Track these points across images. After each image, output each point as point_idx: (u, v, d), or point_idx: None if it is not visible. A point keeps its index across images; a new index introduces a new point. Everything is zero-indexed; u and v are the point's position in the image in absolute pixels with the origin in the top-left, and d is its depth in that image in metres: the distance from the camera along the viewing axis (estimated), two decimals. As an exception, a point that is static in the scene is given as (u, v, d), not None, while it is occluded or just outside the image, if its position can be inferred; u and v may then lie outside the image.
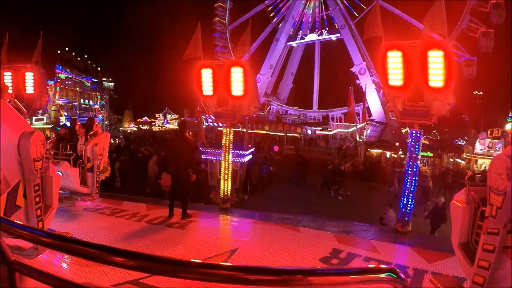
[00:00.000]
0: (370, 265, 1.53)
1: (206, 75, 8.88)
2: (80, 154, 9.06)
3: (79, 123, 9.84)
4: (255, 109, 9.80)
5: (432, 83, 6.62)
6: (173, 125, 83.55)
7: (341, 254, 6.18)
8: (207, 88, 8.92)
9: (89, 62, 65.84)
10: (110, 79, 72.66)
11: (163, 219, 8.01)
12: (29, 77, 9.49)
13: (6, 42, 9.53)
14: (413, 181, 7.53)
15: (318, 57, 60.60)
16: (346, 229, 7.87)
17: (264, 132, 43.96)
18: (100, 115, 64.83)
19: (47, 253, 5.00)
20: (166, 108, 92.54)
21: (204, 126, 24.24)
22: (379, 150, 36.81)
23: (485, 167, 29.07)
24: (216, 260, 5.58)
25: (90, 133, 9.38)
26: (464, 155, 35.12)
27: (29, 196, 4.47)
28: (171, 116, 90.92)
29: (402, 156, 32.07)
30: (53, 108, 50.99)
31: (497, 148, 30.33)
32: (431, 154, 34.79)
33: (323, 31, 56.38)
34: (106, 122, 67.14)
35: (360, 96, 39.45)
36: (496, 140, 31.29)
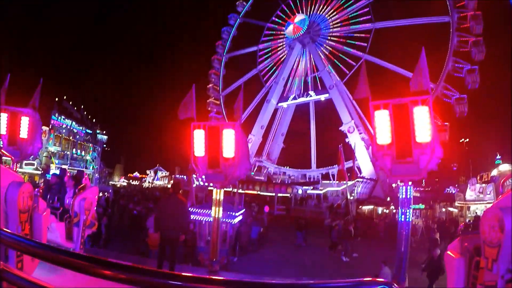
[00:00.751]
0: (365, 279, 1.48)
1: (198, 136, 9.00)
2: (67, 207, 8.91)
3: (68, 174, 9.76)
4: (246, 170, 9.84)
5: (419, 139, 6.81)
6: (163, 182, 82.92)
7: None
8: (199, 148, 8.99)
9: (85, 113, 66.59)
10: (104, 132, 73.12)
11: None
12: (25, 121, 9.52)
13: (6, 85, 9.63)
14: (407, 236, 7.47)
15: (314, 116, 62.11)
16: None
17: (255, 192, 43.72)
18: (91, 167, 64.38)
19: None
20: (157, 165, 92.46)
21: (194, 186, 24.05)
22: (371, 207, 36.67)
23: (477, 213, 29.02)
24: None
25: (79, 186, 9.29)
26: (456, 203, 35.06)
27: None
28: (162, 173, 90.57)
29: (394, 211, 31.88)
30: (44, 154, 50.70)
31: (488, 192, 30.35)
32: (423, 206, 34.69)
33: (311, 92, 58.31)
34: (96, 175, 66.54)
35: (350, 154, 40.02)
36: (486, 185, 31.37)
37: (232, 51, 66.02)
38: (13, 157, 8.88)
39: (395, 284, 1.45)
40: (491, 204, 4.34)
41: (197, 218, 14.63)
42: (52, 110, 54.21)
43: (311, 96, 57.93)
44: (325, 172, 57.36)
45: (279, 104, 60.79)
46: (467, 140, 64.01)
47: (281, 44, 62.96)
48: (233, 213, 14.49)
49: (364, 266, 15.91)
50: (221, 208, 9.32)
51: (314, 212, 36.82)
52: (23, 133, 9.53)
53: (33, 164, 43.50)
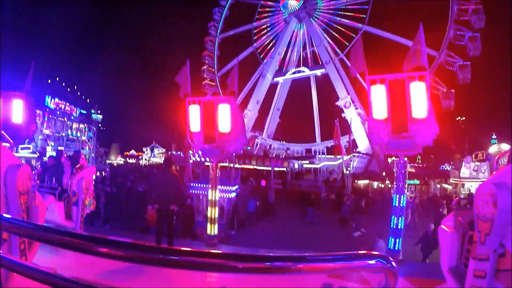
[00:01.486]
0: (360, 252, 1.51)
1: (194, 111, 8.98)
2: (65, 187, 8.96)
3: (65, 155, 9.77)
4: (242, 145, 9.88)
5: (415, 114, 6.82)
6: (160, 159, 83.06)
7: (331, 289, 6.11)
8: (194, 124, 8.99)
9: (78, 93, 65.97)
10: (99, 112, 72.63)
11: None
12: (18, 105, 9.42)
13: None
14: (401, 210, 7.59)
15: (315, 91, 61.12)
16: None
17: (251, 167, 43.91)
18: (87, 147, 64.25)
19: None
20: (153, 142, 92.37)
21: (191, 161, 24.10)
22: (366, 181, 37.01)
23: (470, 191, 29.47)
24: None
25: (77, 166, 9.32)
26: (450, 180, 35.60)
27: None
28: (158, 150, 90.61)
29: (390, 186, 32.24)
30: (40, 137, 50.49)
31: (482, 171, 30.94)
32: (418, 182, 35.11)
33: (303, 68, 57.81)
34: (92, 155, 66.52)
35: (346, 129, 40.12)
36: (481, 163, 31.78)
37: (225, 31, 64.40)
38: (11, 141, 8.83)
39: (389, 258, 1.47)
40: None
41: (194, 193, 14.87)
42: (45, 93, 53.63)
43: (304, 72, 57.48)
44: (330, 145, 57.04)
45: (275, 79, 60.26)
46: (464, 118, 64.13)
47: (277, 20, 61.62)
48: (230, 188, 14.68)
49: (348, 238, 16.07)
50: (218, 183, 9.39)
51: (310, 186, 37.10)
52: (17, 116, 9.42)
53: (29, 148, 43.30)
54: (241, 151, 13.48)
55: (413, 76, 6.92)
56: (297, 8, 56.54)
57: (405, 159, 7.60)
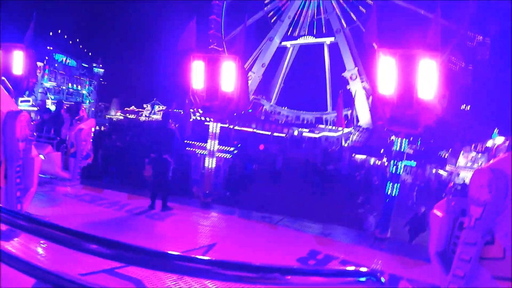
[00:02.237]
0: (349, 268, 1.50)
1: (197, 67, 8.81)
2: (64, 138, 8.94)
3: (64, 107, 9.70)
4: (244, 106, 9.80)
5: (421, 94, 6.68)
6: (160, 116, 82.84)
7: (318, 256, 6.22)
8: (198, 80, 8.84)
9: (80, 46, 64.93)
10: (101, 65, 71.73)
11: (144, 209, 7.94)
12: (18, 56, 9.27)
13: None
14: (395, 188, 7.61)
15: (328, 59, 59.33)
16: (325, 231, 7.93)
17: (251, 130, 43.90)
18: (87, 101, 63.94)
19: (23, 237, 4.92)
20: (154, 99, 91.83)
21: (191, 120, 24.08)
22: (364, 156, 37.09)
23: (465, 181, 29.62)
24: (193, 254, 5.55)
25: (76, 117, 9.25)
26: (446, 167, 35.73)
27: (10, 177, 4.39)
28: (159, 107, 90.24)
29: (386, 163, 32.36)
30: (40, 90, 50.10)
31: (479, 162, 31.17)
32: (414, 163, 35.27)
33: (308, 37, 56.40)
34: (92, 109, 66.29)
35: (350, 101, 39.88)
36: (480, 154, 31.87)
37: None
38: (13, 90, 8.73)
39: (378, 274, 1.44)
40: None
41: (192, 150, 14.89)
42: (47, 45, 52.65)
43: (314, 39, 56.27)
44: (319, 116, 56.50)
45: (283, 43, 59.08)
46: (469, 107, 63.37)
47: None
48: (229, 148, 14.72)
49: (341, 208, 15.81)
50: (216, 142, 9.38)
51: (308, 154, 37.22)
52: (17, 68, 9.26)
53: (28, 101, 43.01)
54: (242, 112, 13.43)
55: (425, 54, 6.71)
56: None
57: (405, 140, 7.57)
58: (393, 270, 5.85)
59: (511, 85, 41.28)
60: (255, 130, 44.03)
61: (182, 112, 42.66)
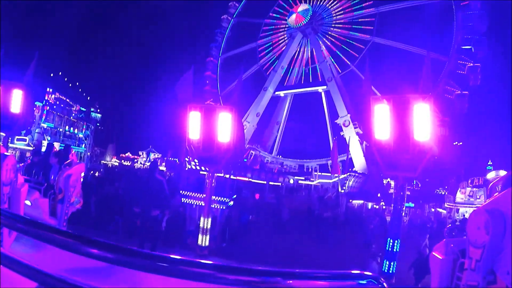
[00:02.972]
0: (353, 271, 1.45)
1: (194, 118, 8.87)
2: (52, 183, 8.70)
3: (54, 150, 9.53)
4: (240, 156, 9.74)
5: (418, 137, 6.74)
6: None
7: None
8: (194, 131, 8.89)
9: (79, 90, 65.90)
10: (98, 110, 72.52)
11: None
12: (17, 95, 9.25)
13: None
14: (397, 232, 7.46)
15: (326, 105, 60.25)
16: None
17: (246, 179, 43.68)
18: (83, 145, 63.91)
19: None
20: (150, 146, 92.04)
21: (186, 169, 23.92)
22: (361, 201, 36.78)
23: (465, 216, 29.23)
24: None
25: (65, 162, 9.05)
26: (445, 205, 35.46)
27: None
28: (154, 154, 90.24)
29: (384, 207, 32.09)
30: (37, 130, 50.16)
31: (478, 197, 30.96)
32: (412, 205, 35.00)
33: (309, 83, 58.03)
34: (88, 153, 66.13)
35: (345, 147, 40.16)
36: (477, 189, 31.70)
37: (228, 51, 64.69)
38: (4, 134, 8.64)
39: (381, 279, 1.43)
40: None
41: (187, 202, 14.59)
42: (46, 86, 53.43)
43: (306, 87, 57.78)
44: (323, 163, 56.32)
45: (276, 93, 60.38)
46: (461, 143, 64.56)
47: (282, 36, 62.18)
48: (224, 199, 14.42)
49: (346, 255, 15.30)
50: (212, 193, 9.25)
51: (304, 202, 36.88)
52: (15, 107, 9.24)
53: (25, 140, 43.06)
54: (238, 163, 13.39)
55: (418, 98, 6.90)
56: (303, 24, 56.98)
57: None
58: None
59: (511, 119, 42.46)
60: (250, 180, 43.82)
61: (177, 161, 42.61)
